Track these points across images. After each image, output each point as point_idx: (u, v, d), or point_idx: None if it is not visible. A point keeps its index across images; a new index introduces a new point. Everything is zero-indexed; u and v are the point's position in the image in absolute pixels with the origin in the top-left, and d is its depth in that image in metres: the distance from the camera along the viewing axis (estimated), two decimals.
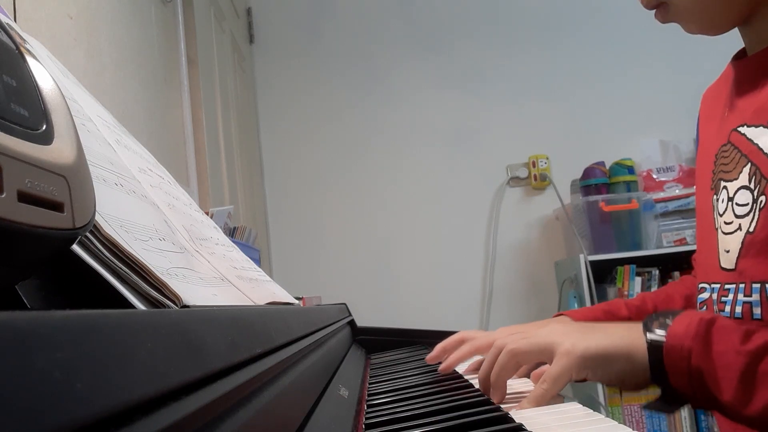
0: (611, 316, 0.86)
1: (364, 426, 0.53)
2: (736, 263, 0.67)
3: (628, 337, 0.59)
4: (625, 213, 2.32)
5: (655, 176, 2.47)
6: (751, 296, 0.64)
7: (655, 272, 2.29)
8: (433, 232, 2.62)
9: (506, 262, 2.62)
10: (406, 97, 2.69)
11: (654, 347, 0.56)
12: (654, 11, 0.71)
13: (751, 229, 0.64)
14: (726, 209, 0.69)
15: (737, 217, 0.67)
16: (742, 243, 0.65)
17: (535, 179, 2.63)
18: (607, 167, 2.44)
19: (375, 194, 2.65)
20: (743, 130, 0.68)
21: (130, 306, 0.37)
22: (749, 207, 0.65)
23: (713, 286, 0.71)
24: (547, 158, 2.63)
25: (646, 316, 0.87)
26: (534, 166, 2.63)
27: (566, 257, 2.49)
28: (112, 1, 1.25)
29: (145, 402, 0.17)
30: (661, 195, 2.38)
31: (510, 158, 2.66)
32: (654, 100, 2.64)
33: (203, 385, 0.22)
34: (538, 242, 2.64)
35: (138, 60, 1.36)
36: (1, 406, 0.12)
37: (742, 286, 0.66)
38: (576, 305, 2.21)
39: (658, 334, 0.57)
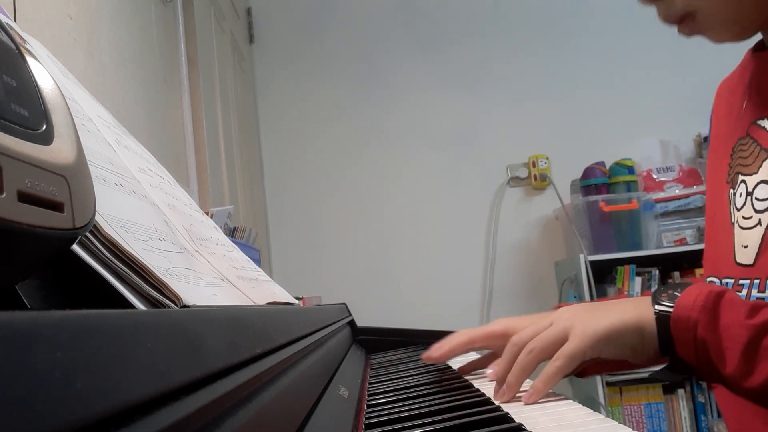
0: None
1: (364, 426, 0.53)
2: (755, 259, 0.66)
3: (635, 310, 0.59)
4: (625, 213, 2.32)
5: (655, 176, 2.47)
6: (764, 292, 0.64)
7: (655, 272, 2.29)
8: (433, 232, 2.62)
9: (506, 262, 2.62)
10: (406, 97, 2.69)
11: (662, 318, 0.57)
12: (676, 26, 0.66)
13: None
14: (744, 203, 0.68)
15: (757, 212, 0.66)
16: (762, 238, 0.65)
17: (535, 179, 2.63)
18: (607, 167, 2.44)
19: (375, 194, 2.65)
20: (763, 123, 0.67)
21: (130, 306, 0.37)
22: None
23: (726, 281, 0.70)
24: (547, 158, 2.63)
25: None
26: (534, 166, 2.63)
27: (566, 257, 2.49)
28: (112, 1, 1.25)
29: (145, 402, 0.17)
30: (661, 195, 2.38)
31: (510, 158, 2.66)
32: (654, 100, 2.64)
33: (203, 385, 0.22)
34: (538, 242, 2.64)
35: (138, 60, 1.36)
36: (1, 406, 0.12)
37: (757, 281, 0.65)
38: None
39: (666, 305, 0.57)
